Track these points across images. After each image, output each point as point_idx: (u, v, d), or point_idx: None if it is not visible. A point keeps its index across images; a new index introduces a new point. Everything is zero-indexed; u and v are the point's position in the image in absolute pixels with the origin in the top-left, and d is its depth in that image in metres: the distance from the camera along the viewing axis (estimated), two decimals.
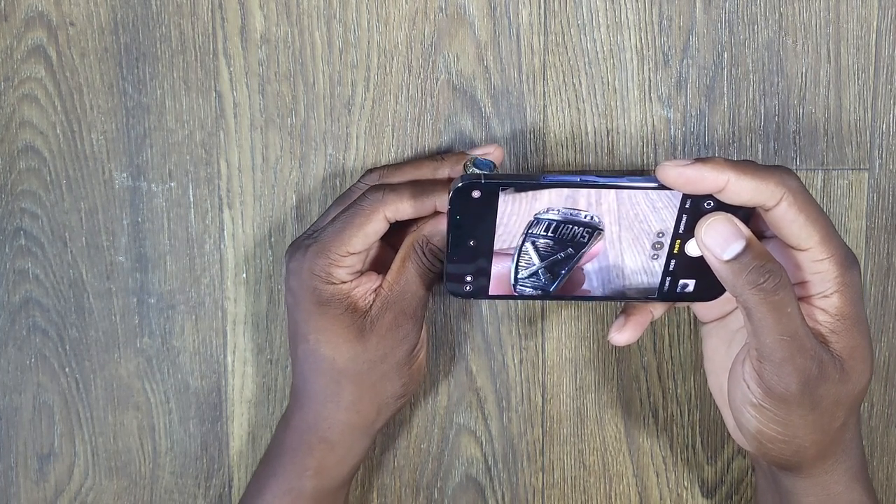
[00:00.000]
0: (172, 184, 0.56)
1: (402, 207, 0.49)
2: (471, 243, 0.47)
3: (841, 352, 0.46)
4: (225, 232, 0.57)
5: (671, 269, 0.49)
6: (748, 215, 0.46)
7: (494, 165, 0.50)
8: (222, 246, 0.57)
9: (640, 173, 0.57)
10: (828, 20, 0.56)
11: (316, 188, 0.57)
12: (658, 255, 0.48)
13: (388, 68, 0.56)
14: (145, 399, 0.58)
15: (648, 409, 0.60)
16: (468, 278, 0.49)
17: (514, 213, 0.46)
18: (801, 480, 0.49)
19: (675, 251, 0.48)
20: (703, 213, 0.46)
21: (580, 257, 0.48)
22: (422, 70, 0.56)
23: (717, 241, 0.45)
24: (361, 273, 0.51)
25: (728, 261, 0.44)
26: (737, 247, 0.44)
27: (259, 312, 0.58)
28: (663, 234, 0.47)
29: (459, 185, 0.45)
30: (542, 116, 0.56)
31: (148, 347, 0.57)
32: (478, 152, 0.52)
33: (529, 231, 0.47)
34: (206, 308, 0.57)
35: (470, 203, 0.46)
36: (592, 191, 0.46)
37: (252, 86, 0.56)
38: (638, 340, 0.58)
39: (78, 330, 0.57)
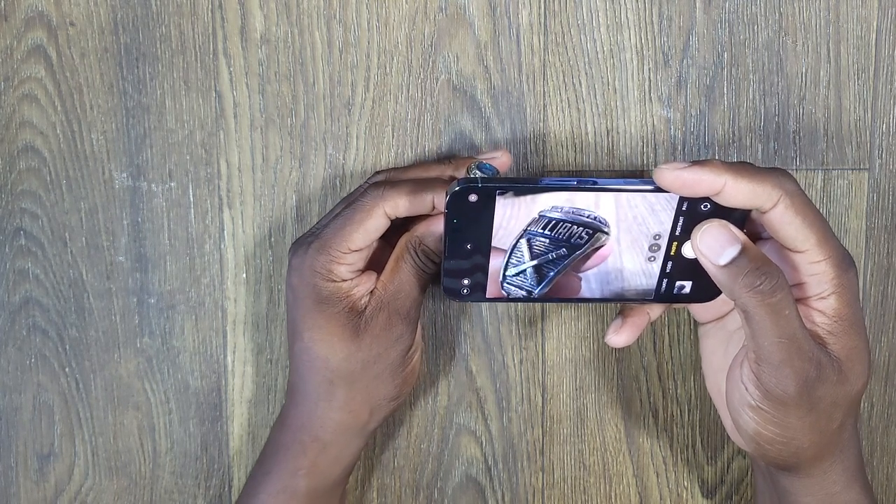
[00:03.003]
0: (172, 184, 0.57)
1: (400, 203, 0.50)
2: (468, 247, 0.48)
3: (839, 353, 0.47)
4: (225, 232, 0.58)
5: (668, 270, 0.50)
6: (745, 217, 0.47)
7: (497, 171, 0.50)
8: (222, 246, 0.58)
9: (638, 175, 0.58)
10: (828, 20, 0.57)
11: (316, 188, 0.58)
12: (655, 258, 0.49)
13: (388, 68, 0.57)
14: (145, 399, 0.59)
15: (648, 409, 0.61)
16: (465, 281, 0.50)
17: (514, 217, 0.47)
18: (800, 480, 0.50)
19: (672, 253, 0.49)
20: (700, 214, 0.47)
21: (573, 259, 0.49)
22: (422, 70, 0.57)
23: (713, 246, 0.46)
24: (362, 272, 0.52)
25: (724, 265, 0.45)
26: (732, 251, 0.45)
27: (259, 312, 0.59)
28: (660, 237, 0.48)
29: (456, 188, 0.46)
30: (542, 116, 0.58)
31: (148, 347, 0.59)
32: (486, 157, 0.53)
33: (528, 227, 0.48)
34: (206, 308, 0.58)
35: (467, 207, 0.46)
36: (591, 194, 0.47)
37: (252, 86, 0.57)
38: (638, 340, 0.58)
39: (78, 330, 0.58)
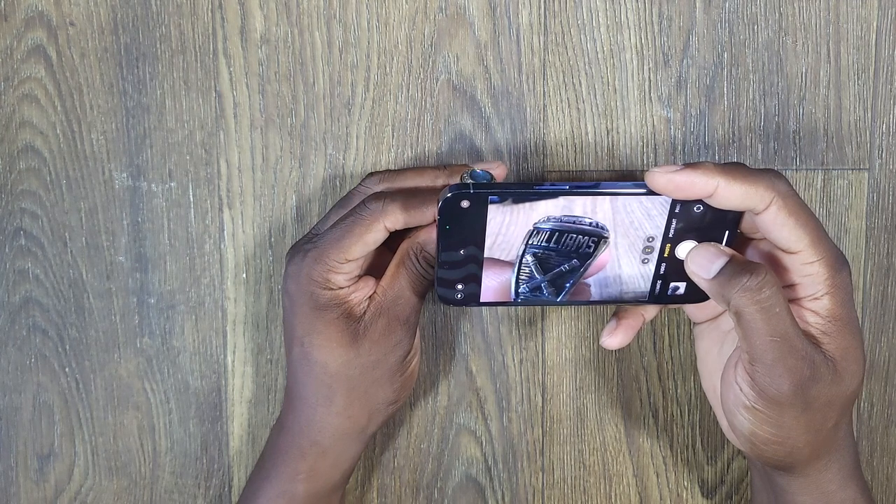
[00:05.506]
0: (172, 184, 0.59)
1: (402, 218, 0.51)
2: (461, 252, 0.50)
3: (833, 353, 0.48)
4: (225, 232, 0.59)
5: (662, 272, 0.51)
6: (738, 219, 0.49)
7: (492, 177, 0.51)
8: (222, 246, 0.60)
9: (632, 177, 0.60)
10: (828, 20, 0.59)
11: (316, 188, 0.59)
12: (648, 259, 0.51)
13: (388, 68, 0.58)
14: (145, 399, 0.61)
15: (648, 409, 0.62)
16: (459, 286, 0.51)
17: (513, 224, 0.49)
18: (796, 480, 0.51)
19: (666, 255, 0.50)
20: (693, 216, 0.49)
21: (587, 268, 0.51)
22: (422, 70, 0.58)
23: (702, 263, 0.48)
24: (359, 278, 0.53)
25: (713, 277, 0.48)
26: (720, 263, 0.48)
27: (259, 312, 0.60)
28: (653, 239, 0.50)
29: (448, 195, 0.47)
30: (542, 116, 0.59)
31: (148, 347, 0.60)
32: (482, 166, 0.54)
33: (529, 242, 0.50)
34: (206, 308, 0.60)
35: (459, 212, 0.48)
36: (588, 198, 0.48)
37: (252, 86, 0.58)
38: (638, 341, 0.60)
39: (78, 330, 0.60)
